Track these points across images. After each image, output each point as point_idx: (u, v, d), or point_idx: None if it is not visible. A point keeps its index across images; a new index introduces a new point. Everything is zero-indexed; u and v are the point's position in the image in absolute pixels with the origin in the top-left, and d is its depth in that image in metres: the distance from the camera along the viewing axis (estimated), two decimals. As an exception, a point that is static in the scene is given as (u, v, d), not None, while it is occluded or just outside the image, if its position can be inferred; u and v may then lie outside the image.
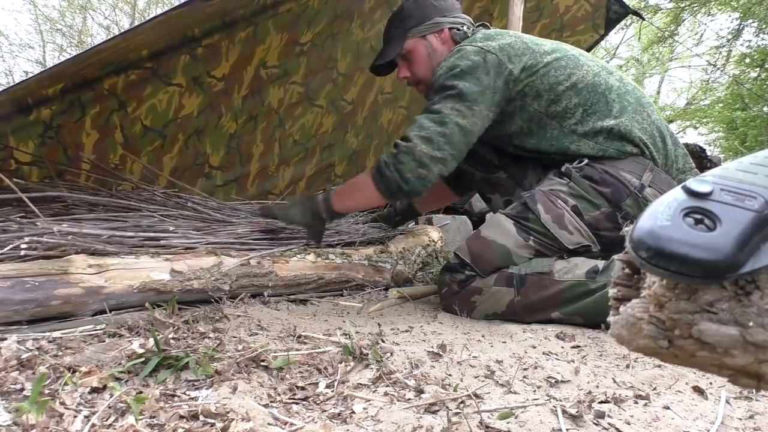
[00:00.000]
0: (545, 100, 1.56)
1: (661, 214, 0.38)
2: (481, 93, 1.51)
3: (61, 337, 0.99)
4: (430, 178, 1.49)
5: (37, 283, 1.06)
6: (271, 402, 0.81)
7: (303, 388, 0.87)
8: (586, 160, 1.54)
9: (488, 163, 1.81)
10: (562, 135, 1.57)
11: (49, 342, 0.96)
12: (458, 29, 1.70)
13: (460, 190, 2.06)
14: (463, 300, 1.53)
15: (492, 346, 1.20)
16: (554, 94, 1.55)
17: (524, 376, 0.99)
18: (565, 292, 1.44)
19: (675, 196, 0.39)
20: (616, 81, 1.60)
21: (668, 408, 0.86)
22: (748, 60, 9.96)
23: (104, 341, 0.99)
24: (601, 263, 1.46)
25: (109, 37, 2.10)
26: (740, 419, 0.85)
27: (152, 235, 1.45)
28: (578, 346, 1.25)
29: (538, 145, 1.61)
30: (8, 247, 1.14)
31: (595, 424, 0.78)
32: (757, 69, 9.87)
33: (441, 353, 1.07)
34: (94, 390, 0.78)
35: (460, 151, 1.51)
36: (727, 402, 0.91)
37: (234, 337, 1.08)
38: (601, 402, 0.87)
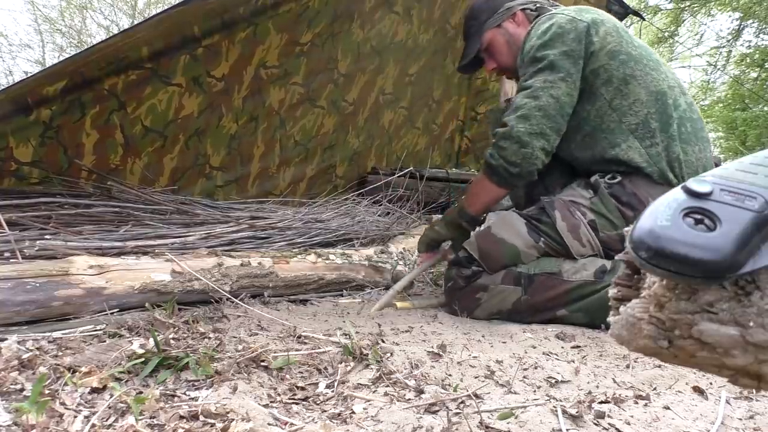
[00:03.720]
0: (614, 89, 1.52)
1: (661, 214, 0.38)
2: (572, 61, 1.49)
3: (62, 338, 0.99)
4: (536, 155, 1.47)
5: (38, 285, 1.06)
6: (271, 402, 0.81)
7: (303, 389, 0.87)
8: (619, 177, 1.51)
9: None
10: (618, 130, 1.52)
11: (50, 342, 0.95)
12: (531, 9, 1.71)
13: None
14: (467, 296, 1.52)
15: (492, 346, 1.20)
16: (625, 85, 1.51)
17: (524, 376, 0.99)
18: (572, 291, 1.44)
19: (675, 196, 0.39)
20: (684, 103, 1.57)
21: (668, 408, 0.86)
22: (748, 60, 9.96)
23: (104, 341, 0.99)
24: (608, 263, 1.46)
25: (109, 36, 2.10)
26: (740, 419, 0.85)
27: (149, 243, 1.46)
28: (578, 346, 1.25)
29: (591, 138, 1.55)
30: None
31: (595, 424, 0.78)
32: (758, 69, 9.87)
33: (441, 353, 1.07)
34: (94, 390, 0.78)
35: (558, 124, 1.49)
36: (728, 402, 0.91)
37: (234, 337, 1.08)
38: (601, 402, 0.87)
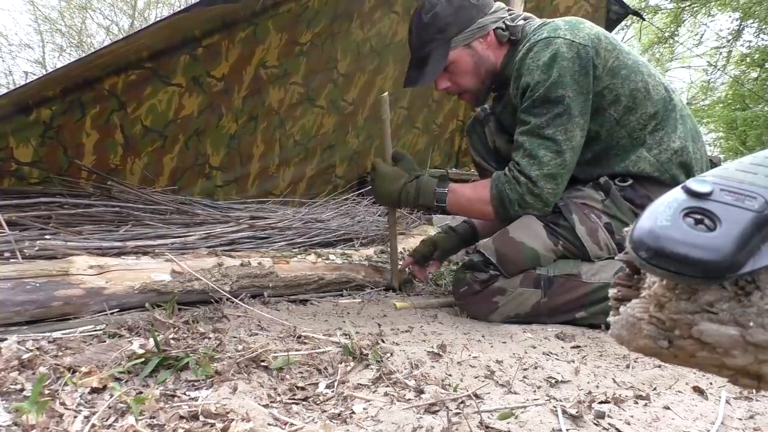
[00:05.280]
0: (623, 107, 1.47)
1: (661, 214, 0.38)
2: (585, 98, 1.43)
3: (62, 338, 0.99)
4: (550, 210, 1.50)
5: (37, 285, 1.05)
6: (271, 402, 0.81)
7: (303, 389, 0.87)
8: (630, 180, 1.49)
9: None
10: (629, 145, 1.49)
11: (50, 342, 0.95)
12: (502, 28, 1.56)
13: None
14: (484, 300, 1.49)
15: (492, 346, 1.20)
16: (632, 100, 1.47)
17: (524, 376, 0.99)
18: (591, 294, 1.43)
19: (675, 196, 0.39)
20: (679, 102, 1.55)
21: (668, 408, 0.86)
22: (748, 60, 9.96)
23: (104, 342, 0.99)
24: None
25: (111, 42, 2.10)
26: (740, 419, 0.85)
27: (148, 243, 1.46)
28: (578, 346, 1.25)
29: (600, 156, 1.53)
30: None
31: (595, 425, 0.78)
32: (758, 69, 9.86)
33: (441, 353, 1.07)
34: (94, 390, 0.78)
35: (572, 170, 1.49)
36: (727, 402, 0.91)
37: (234, 337, 1.08)
38: (601, 402, 0.87)
